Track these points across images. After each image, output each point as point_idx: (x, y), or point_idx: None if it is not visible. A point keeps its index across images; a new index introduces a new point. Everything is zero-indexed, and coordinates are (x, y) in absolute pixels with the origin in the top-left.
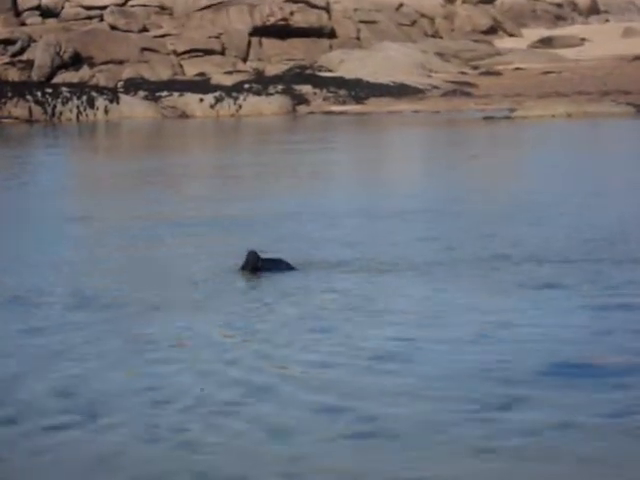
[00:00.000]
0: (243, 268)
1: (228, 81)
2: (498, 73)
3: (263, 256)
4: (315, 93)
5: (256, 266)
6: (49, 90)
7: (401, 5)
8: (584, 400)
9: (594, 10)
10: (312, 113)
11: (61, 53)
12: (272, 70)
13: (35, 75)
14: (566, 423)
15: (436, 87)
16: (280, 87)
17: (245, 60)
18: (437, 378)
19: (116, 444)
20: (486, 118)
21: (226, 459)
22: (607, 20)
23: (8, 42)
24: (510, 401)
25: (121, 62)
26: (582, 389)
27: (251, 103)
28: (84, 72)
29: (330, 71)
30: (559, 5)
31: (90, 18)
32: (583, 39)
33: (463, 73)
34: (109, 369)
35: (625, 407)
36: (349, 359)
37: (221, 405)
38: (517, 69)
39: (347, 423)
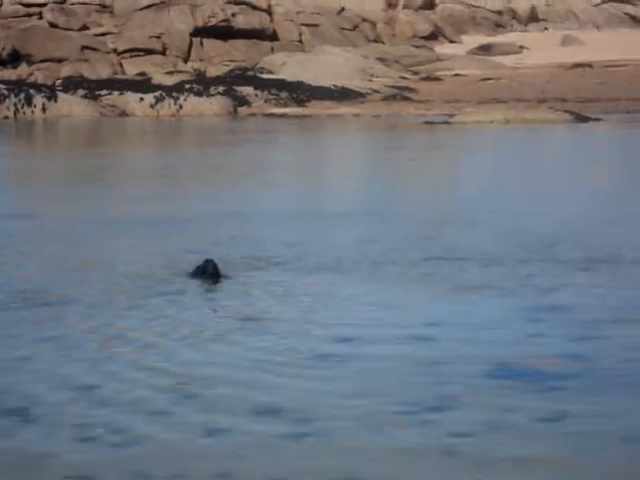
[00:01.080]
0: (200, 274)
1: (169, 81)
2: (438, 79)
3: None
4: (256, 95)
5: (214, 274)
6: None
7: (343, 9)
8: (517, 403)
9: (533, 18)
10: (253, 115)
11: None
12: (213, 71)
13: None
14: (498, 425)
15: (377, 91)
16: (221, 88)
17: (186, 60)
18: (370, 378)
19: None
20: (426, 123)
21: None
22: (546, 28)
23: None
24: (443, 402)
25: (60, 60)
26: (515, 391)
27: (192, 103)
28: (22, 69)
29: (271, 73)
30: (499, 12)
31: (29, 15)
32: (522, 47)
33: (404, 78)
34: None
35: (558, 410)
36: (283, 359)
37: (152, 410)
38: (457, 75)
39: (282, 424)
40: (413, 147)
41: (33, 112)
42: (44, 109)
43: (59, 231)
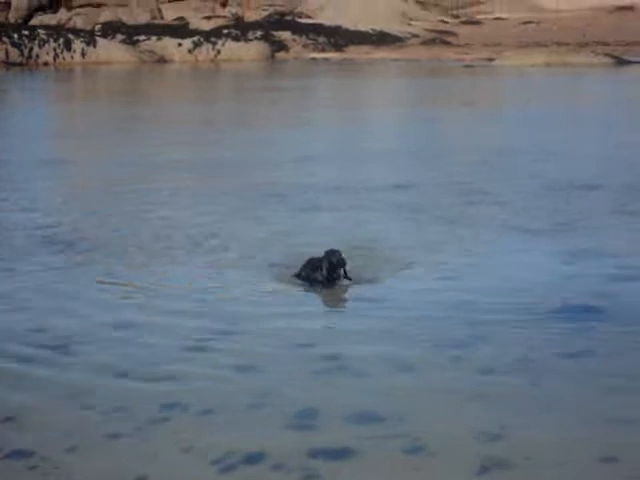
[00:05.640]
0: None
1: (207, 26)
2: (478, 22)
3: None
4: (294, 40)
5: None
6: (26, 32)
7: None
8: (546, 340)
9: None
10: (294, 59)
11: None
12: (251, 16)
13: (12, 17)
14: (526, 361)
15: (416, 35)
16: (259, 33)
17: (224, 5)
18: (406, 317)
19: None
20: (466, 66)
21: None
22: None
23: None
24: (473, 339)
25: (99, 5)
26: (546, 329)
27: (230, 49)
28: (61, 15)
29: (310, 18)
30: None
31: None
32: None
33: (443, 22)
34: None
35: (584, 348)
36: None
37: (193, 341)
38: (497, 19)
39: (315, 358)
40: (456, 91)
41: (72, 57)
42: (83, 54)
43: (99, 177)
